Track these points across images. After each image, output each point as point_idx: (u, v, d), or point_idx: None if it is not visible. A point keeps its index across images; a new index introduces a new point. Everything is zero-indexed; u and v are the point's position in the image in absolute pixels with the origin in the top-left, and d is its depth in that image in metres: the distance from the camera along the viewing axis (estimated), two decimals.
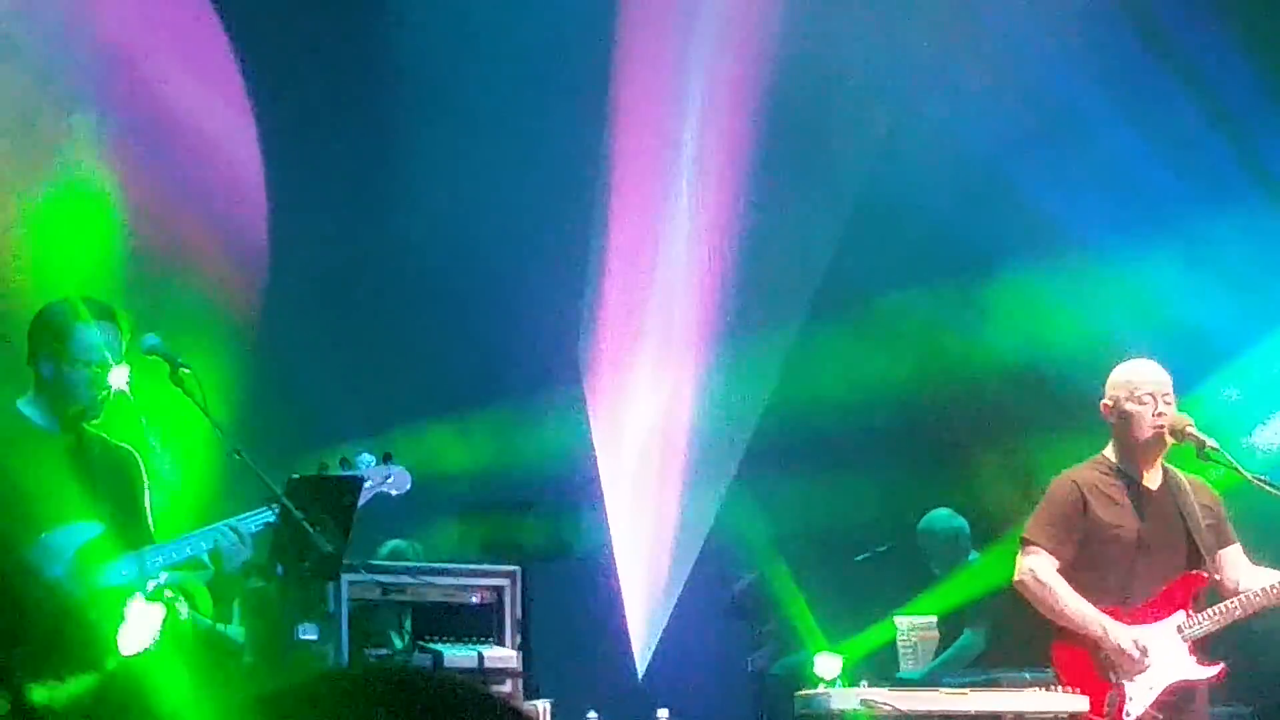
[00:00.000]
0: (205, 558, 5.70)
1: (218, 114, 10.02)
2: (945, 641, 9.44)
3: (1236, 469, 6.86)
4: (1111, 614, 6.79)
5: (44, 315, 5.80)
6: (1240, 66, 9.89)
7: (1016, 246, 10.19)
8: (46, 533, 5.60)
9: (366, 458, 6.18)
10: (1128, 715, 6.70)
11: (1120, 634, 6.73)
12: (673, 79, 10.72)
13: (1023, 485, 8.46)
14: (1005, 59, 10.19)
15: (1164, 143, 9.96)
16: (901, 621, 9.21)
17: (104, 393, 5.71)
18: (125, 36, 9.64)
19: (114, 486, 5.77)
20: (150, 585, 5.70)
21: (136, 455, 5.98)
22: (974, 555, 9.80)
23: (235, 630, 9.09)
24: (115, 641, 5.55)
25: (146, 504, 5.94)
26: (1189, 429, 6.84)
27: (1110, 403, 6.92)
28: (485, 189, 10.38)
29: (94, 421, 5.82)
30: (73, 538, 5.62)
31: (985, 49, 10.21)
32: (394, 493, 6.23)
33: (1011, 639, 8.75)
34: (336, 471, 6.09)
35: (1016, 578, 6.93)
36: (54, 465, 5.70)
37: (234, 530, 5.73)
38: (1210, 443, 6.86)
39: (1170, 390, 6.89)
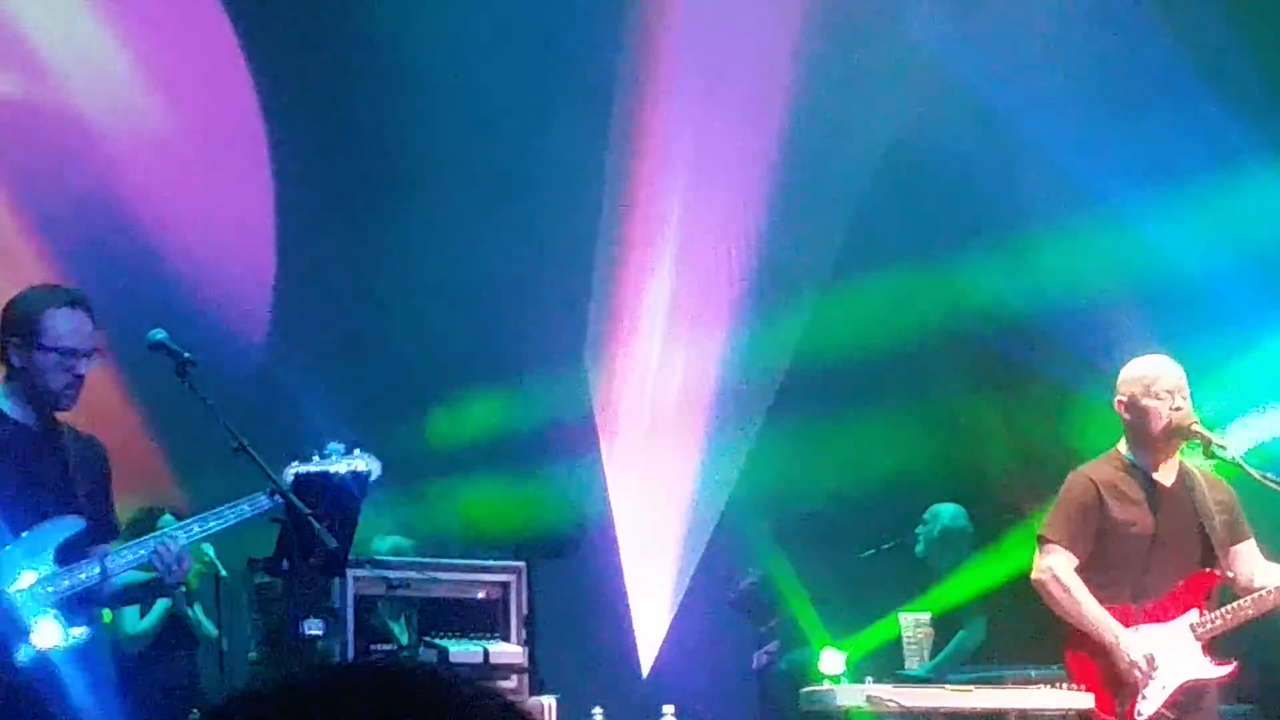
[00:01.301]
0: (155, 561, 5.68)
1: (220, 99, 10.09)
2: (941, 638, 9.41)
3: (1241, 466, 6.84)
4: (1125, 611, 6.74)
5: (14, 304, 5.76)
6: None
7: (1011, 241, 10.19)
8: (27, 529, 5.58)
9: (334, 446, 6.16)
10: (1140, 714, 6.68)
11: (1131, 646, 6.67)
12: (688, 66, 10.72)
13: (1030, 474, 8.46)
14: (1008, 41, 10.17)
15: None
16: (906, 618, 9.19)
17: (76, 381, 5.69)
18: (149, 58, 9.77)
19: (86, 478, 5.76)
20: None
21: (104, 446, 5.93)
22: (972, 556, 9.79)
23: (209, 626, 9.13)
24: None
25: (113, 497, 5.92)
26: (1194, 426, 6.81)
27: (1125, 398, 6.85)
28: (494, 172, 10.40)
29: (66, 410, 5.79)
30: (55, 533, 5.61)
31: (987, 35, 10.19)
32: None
33: (1011, 630, 8.76)
34: (308, 461, 6.05)
35: (1035, 576, 6.86)
36: (29, 457, 5.69)
37: (172, 541, 5.69)
38: (1216, 440, 6.83)
39: (1186, 386, 6.84)
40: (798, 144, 10.60)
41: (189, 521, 5.78)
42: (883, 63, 10.33)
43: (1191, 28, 9.79)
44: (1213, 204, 9.58)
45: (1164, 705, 6.69)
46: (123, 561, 5.66)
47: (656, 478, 10.93)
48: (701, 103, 10.78)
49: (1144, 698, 6.67)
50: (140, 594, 6.17)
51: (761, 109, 10.62)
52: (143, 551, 5.65)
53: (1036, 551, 6.90)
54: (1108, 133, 9.93)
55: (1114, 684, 6.72)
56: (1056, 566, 6.79)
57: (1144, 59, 9.84)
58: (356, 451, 6.14)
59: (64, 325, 5.66)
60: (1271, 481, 6.81)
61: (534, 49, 10.36)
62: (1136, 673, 6.65)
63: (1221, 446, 6.82)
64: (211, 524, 5.78)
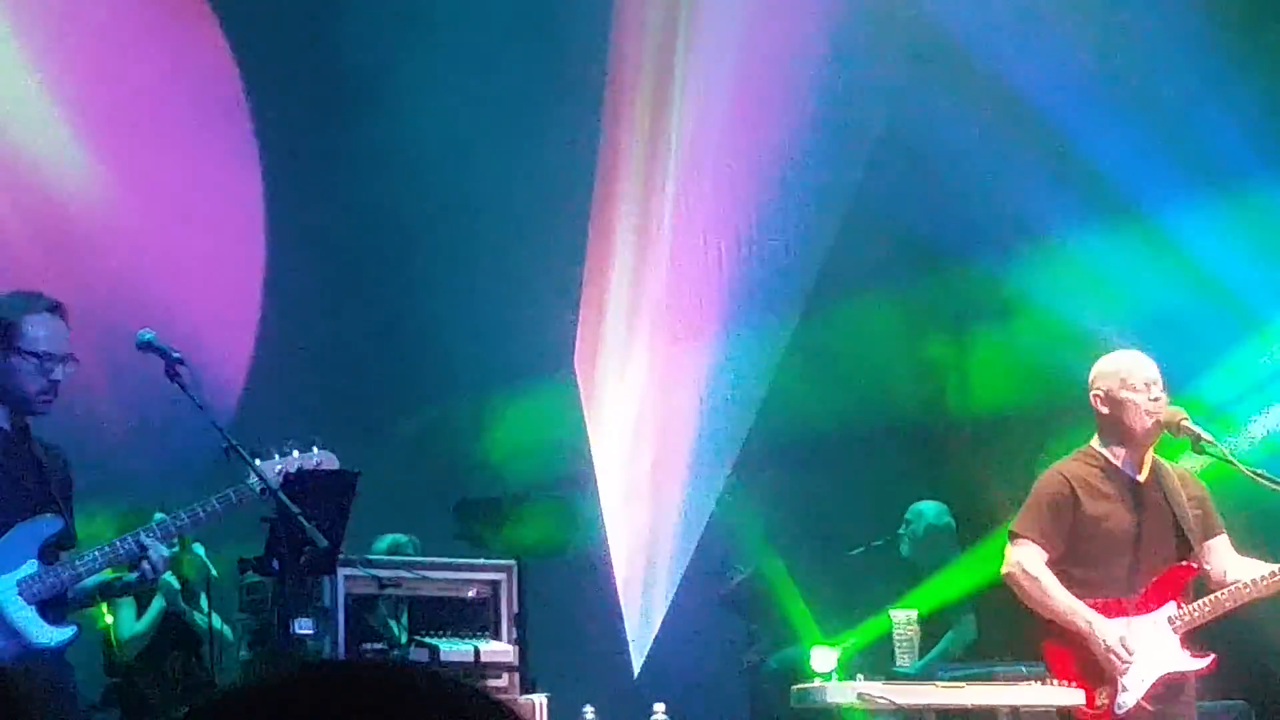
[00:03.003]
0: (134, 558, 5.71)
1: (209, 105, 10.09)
2: (931, 636, 9.42)
3: (1231, 462, 6.84)
4: (1119, 605, 6.75)
5: None
6: None
7: (1004, 242, 10.18)
8: (6, 529, 5.62)
9: (291, 444, 6.17)
10: (1120, 707, 6.69)
11: (1107, 631, 6.68)
12: (672, 69, 10.71)
13: (1016, 481, 8.46)
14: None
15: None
16: (897, 615, 9.20)
17: (51, 386, 5.72)
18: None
19: (59, 484, 5.79)
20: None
21: (67, 455, 5.96)
22: (956, 553, 9.80)
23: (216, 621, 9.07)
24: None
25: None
26: (1184, 422, 6.81)
27: (1101, 393, 6.83)
28: (482, 180, 10.38)
29: (40, 415, 5.82)
30: (39, 531, 5.64)
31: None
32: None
33: (1002, 627, 8.77)
34: (269, 459, 6.04)
35: (1004, 570, 6.89)
36: (4, 458, 5.71)
37: (137, 542, 5.71)
38: (1205, 436, 6.83)
39: (1160, 380, 6.84)
40: (793, 139, 10.59)
41: (164, 519, 5.80)
42: (887, 56, 10.32)
43: (1222, 23, 9.75)
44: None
45: (1143, 698, 6.71)
46: (104, 560, 5.69)
47: (646, 476, 10.92)
48: (695, 101, 10.77)
49: (1124, 689, 6.69)
50: (119, 591, 6.19)
51: (758, 104, 10.61)
52: (121, 549, 5.69)
53: (1007, 546, 6.92)
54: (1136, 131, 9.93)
55: (1092, 675, 6.73)
56: (1024, 559, 6.80)
57: (1172, 54, 9.80)
58: (314, 448, 6.14)
59: (42, 330, 5.71)
60: (1262, 478, 6.82)
61: (522, 53, 10.35)
62: (1113, 658, 6.66)
63: (1211, 442, 6.83)
64: (184, 519, 5.81)
